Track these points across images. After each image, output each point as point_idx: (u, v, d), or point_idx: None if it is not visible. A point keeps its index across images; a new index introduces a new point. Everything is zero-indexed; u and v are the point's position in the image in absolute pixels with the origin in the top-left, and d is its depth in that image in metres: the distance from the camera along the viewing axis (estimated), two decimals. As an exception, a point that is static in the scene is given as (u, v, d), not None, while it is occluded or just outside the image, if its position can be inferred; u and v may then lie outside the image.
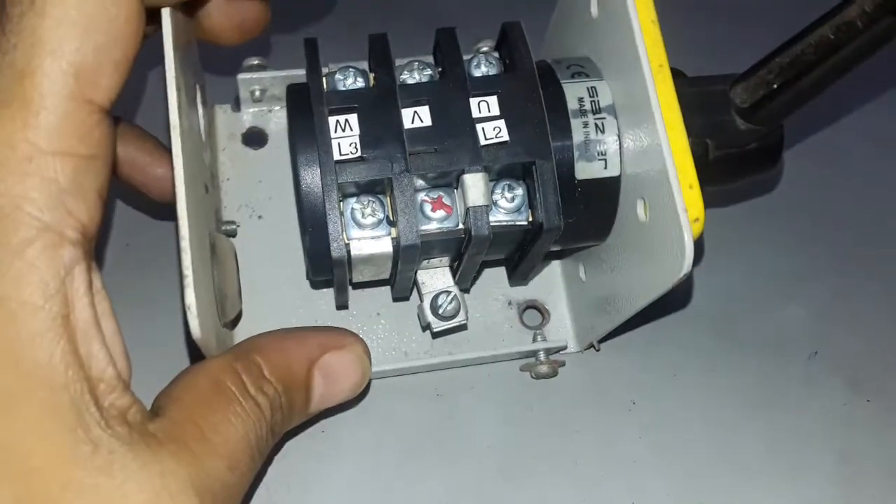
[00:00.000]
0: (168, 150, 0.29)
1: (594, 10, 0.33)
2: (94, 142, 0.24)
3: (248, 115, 0.40)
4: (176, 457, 0.25)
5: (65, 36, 0.23)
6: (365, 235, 0.32)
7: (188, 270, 0.27)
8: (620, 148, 0.32)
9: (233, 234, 0.38)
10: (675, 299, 0.41)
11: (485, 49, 0.40)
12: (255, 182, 0.40)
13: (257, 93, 0.39)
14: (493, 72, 0.33)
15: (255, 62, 0.39)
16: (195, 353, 0.36)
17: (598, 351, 0.39)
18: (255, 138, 0.41)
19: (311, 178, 0.31)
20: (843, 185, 0.46)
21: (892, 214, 0.45)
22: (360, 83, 0.32)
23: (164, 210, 0.39)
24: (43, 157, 0.23)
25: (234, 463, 0.27)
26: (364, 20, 0.48)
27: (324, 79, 0.32)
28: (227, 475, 0.26)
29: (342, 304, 0.38)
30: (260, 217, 0.39)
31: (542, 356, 0.38)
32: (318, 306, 0.39)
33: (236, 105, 0.40)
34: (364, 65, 0.34)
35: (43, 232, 0.23)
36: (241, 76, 0.39)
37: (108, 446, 0.24)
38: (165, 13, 0.28)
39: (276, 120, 0.40)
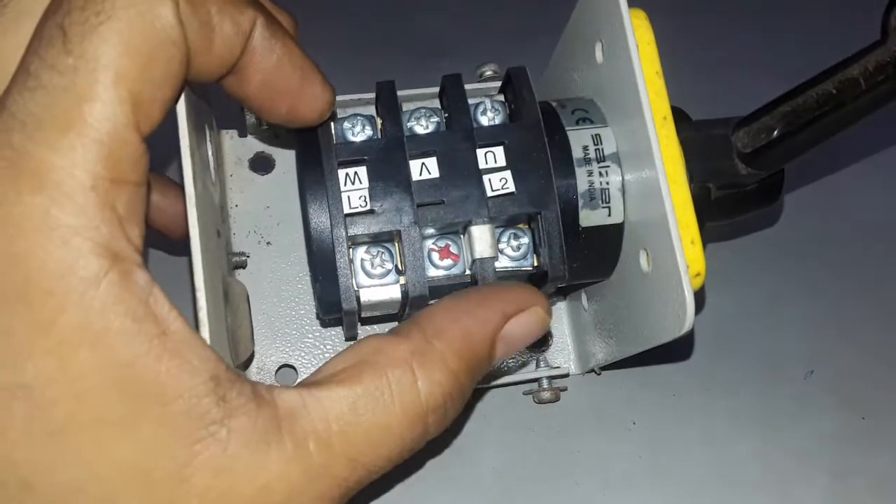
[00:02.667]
0: (179, 187, 0.30)
1: (599, 56, 0.34)
2: (143, 170, 0.25)
3: (255, 141, 0.41)
4: (302, 451, 0.26)
5: (129, 65, 0.23)
6: (374, 283, 0.32)
7: (205, 329, 0.28)
8: (624, 195, 0.33)
9: (243, 266, 0.39)
10: (677, 350, 0.42)
11: (489, 73, 0.40)
12: (263, 208, 0.40)
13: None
14: (499, 119, 0.33)
15: None
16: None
17: (598, 375, 0.40)
18: (262, 163, 0.41)
19: (322, 229, 0.32)
20: (838, 204, 0.46)
21: (885, 234, 0.46)
22: (368, 131, 0.33)
23: (180, 246, 0.39)
24: (104, 185, 0.23)
25: (371, 468, 0.27)
26: (366, 47, 0.48)
27: (332, 125, 0.33)
28: (354, 476, 0.27)
29: (351, 337, 0.38)
30: (269, 243, 0.40)
31: (544, 383, 0.39)
32: (328, 331, 0.40)
33: (243, 131, 0.41)
34: (371, 109, 0.34)
35: (115, 262, 0.23)
36: (247, 103, 0.39)
37: (226, 441, 0.24)
38: None
39: (282, 145, 0.41)
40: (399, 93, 0.34)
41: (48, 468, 0.24)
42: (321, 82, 0.30)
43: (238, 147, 0.41)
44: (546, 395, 0.39)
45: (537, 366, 0.39)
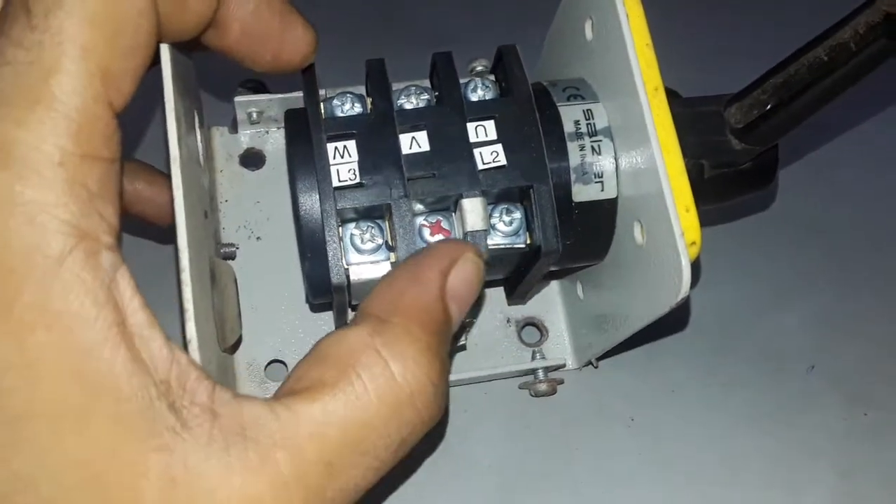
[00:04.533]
0: (167, 176, 0.29)
1: (588, 33, 0.34)
2: (115, 145, 0.24)
3: (246, 137, 0.41)
4: (271, 454, 0.24)
5: (95, 37, 0.23)
6: (364, 260, 0.32)
7: (189, 304, 0.27)
8: (617, 170, 0.33)
9: (232, 257, 0.38)
10: (673, 321, 0.41)
11: (480, 68, 0.40)
12: (253, 203, 0.40)
13: (254, 115, 0.40)
14: (489, 96, 0.33)
15: (252, 84, 0.39)
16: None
17: (596, 368, 0.39)
18: (252, 159, 0.41)
19: (311, 204, 0.31)
20: (839, 197, 0.46)
21: (888, 227, 0.45)
22: (358, 108, 0.33)
23: (168, 236, 0.39)
24: (73, 160, 0.22)
25: (353, 471, 0.25)
26: (361, 38, 0.48)
27: (321, 104, 0.33)
28: (330, 482, 0.25)
29: (342, 326, 0.38)
30: (259, 238, 0.40)
31: (540, 374, 0.38)
32: (318, 327, 0.39)
33: (233, 127, 0.40)
34: (361, 89, 0.34)
35: (80, 240, 0.22)
36: (238, 98, 0.39)
37: (183, 451, 0.23)
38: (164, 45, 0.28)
39: (273, 141, 0.41)
40: (393, 84, 0.34)
41: (3, 458, 0.22)
42: (303, 24, 0.29)
43: (228, 143, 0.41)
44: (543, 387, 0.38)
45: (533, 358, 0.39)
